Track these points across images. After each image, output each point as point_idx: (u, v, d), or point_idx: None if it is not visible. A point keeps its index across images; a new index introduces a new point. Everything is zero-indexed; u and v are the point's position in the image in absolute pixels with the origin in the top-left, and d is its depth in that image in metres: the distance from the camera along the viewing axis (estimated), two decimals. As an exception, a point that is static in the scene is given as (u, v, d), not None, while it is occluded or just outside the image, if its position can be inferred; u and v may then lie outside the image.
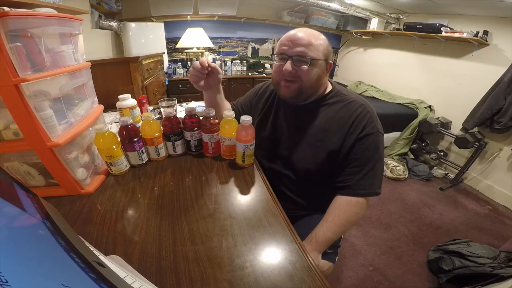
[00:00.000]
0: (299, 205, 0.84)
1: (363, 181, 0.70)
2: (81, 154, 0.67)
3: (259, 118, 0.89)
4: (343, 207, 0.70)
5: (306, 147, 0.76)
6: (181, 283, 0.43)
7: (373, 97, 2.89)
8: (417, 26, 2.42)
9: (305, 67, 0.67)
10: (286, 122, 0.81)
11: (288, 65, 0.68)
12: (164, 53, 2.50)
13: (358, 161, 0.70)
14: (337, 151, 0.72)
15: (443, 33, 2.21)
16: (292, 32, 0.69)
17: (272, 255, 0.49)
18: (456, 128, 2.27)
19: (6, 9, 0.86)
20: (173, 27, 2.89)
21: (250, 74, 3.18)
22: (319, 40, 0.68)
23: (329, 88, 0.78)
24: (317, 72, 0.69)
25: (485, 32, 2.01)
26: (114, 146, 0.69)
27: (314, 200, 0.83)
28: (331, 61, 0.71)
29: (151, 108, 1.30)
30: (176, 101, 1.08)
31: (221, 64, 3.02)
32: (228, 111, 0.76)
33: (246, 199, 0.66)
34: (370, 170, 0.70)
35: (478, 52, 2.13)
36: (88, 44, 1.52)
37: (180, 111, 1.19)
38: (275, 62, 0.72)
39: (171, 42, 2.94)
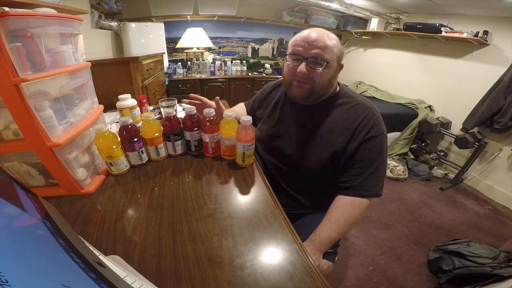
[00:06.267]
0: (299, 203, 0.84)
1: (366, 182, 0.71)
2: (81, 154, 0.67)
3: (265, 115, 0.90)
4: (346, 208, 0.70)
5: (310, 146, 0.77)
6: (181, 283, 0.43)
7: (373, 97, 2.89)
8: (417, 26, 2.42)
9: (320, 69, 0.68)
10: (293, 120, 0.82)
11: (302, 67, 0.69)
12: (164, 53, 2.50)
13: (362, 163, 0.71)
14: (342, 151, 0.72)
15: (443, 33, 2.21)
16: (306, 32, 0.69)
17: (272, 255, 0.49)
18: (456, 128, 2.27)
19: (6, 9, 0.86)
20: (173, 27, 2.89)
21: (250, 74, 3.17)
22: (333, 41, 0.68)
23: (337, 89, 0.79)
24: (330, 74, 0.70)
25: (485, 32, 2.01)
26: (114, 146, 0.69)
27: (315, 198, 0.83)
28: (342, 63, 0.71)
29: (151, 108, 1.30)
30: (176, 101, 1.08)
31: (221, 64, 3.03)
32: (228, 111, 0.76)
33: (246, 199, 0.66)
34: (374, 171, 0.71)
35: (478, 52, 2.13)
36: (88, 44, 1.52)
37: (180, 111, 1.19)
38: (288, 63, 0.73)
39: (171, 42, 2.94)
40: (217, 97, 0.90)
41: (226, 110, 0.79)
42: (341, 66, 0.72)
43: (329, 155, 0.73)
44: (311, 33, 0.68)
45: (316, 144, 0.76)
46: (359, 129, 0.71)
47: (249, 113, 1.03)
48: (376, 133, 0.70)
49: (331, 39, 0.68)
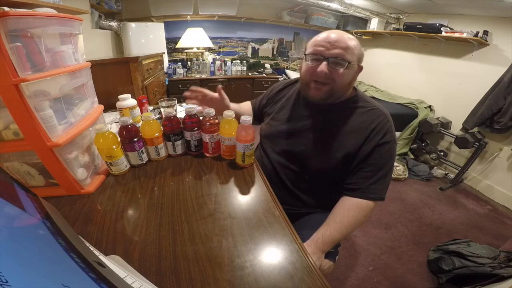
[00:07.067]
0: (302, 202, 0.84)
1: (374, 186, 0.71)
2: (81, 154, 0.67)
3: (274, 110, 0.91)
4: (352, 209, 0.70)
5: (323, 146, 0.77)
6: (181, 283, 0.43)
7: (373, 97, 2.89)
8: (417, 26, 2.42)
9: (341, 69, 0.68)
10: (306, 119, 0.82)
11: (323, 66, 0.68)
12: (164, 53, 2.50)
13: (373, 166, 0.72)
14: (354, 154, 0.73)
15: (443, 33, 2.21)
16: (326, 33, 0.70)
17: (272, 255, 0.49)
18: (456, 128, 2.27)
19: (6, 9, 0.86)
20: (173, 27, 2.89)
21: (250, 74, 3.18)
22: (354, 43, 0.68)
23: (353, 93, 0.80)
24: (350, 75, 0.70)
25: (485, 32, 2.01)
26: (114, 146, 0.69)
27: (319, 198, 0.83)
28: (362, 65, 0.72)
29: (151, 108, 1.30)
30: (176, 101, 1.08)
31: (221, 64, 3.03)
32: (228, 111, 0.76)
33: (246, 199, 0.66)
34: (382, 176, 0.72)
35: (478, 52, 2.13)
36: (88, 44, 1.52)
37: (180, 111, 1.19)
38: (308, 63, 0.72)
39: (171, 42, 2.94)
40: (220, 86, 0.91)
41: (226, 110, 0.79)
42: (360, 68, 0.72)
43: (341, 156, 0.74)
44: (331, 34, 0.69)
45: (329, 144, 0.76)
46: (374, 134, 0.72)
47: (256, 109, 1.04)
48: (389, 139, 0.72)
49: (351, 40, 0.68)
